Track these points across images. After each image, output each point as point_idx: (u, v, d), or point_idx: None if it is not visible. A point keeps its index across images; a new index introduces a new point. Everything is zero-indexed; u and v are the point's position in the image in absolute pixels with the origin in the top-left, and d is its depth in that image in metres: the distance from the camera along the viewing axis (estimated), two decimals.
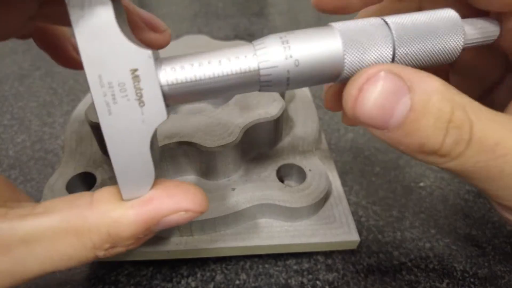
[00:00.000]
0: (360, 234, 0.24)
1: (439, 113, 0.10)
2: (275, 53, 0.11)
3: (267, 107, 0.21)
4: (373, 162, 0.30)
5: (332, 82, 0.13)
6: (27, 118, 0.35)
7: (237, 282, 0.22)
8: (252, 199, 0.20)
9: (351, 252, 0.23)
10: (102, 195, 0.12)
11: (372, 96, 0.11)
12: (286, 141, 0.24)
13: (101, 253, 0.12)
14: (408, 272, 0.22)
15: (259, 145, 0.23)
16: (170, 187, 0.12)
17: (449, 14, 0.13)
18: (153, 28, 0.16)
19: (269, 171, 0.22)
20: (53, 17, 0.15)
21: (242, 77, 0.12)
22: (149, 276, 0.22)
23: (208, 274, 0.22)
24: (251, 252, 0.20)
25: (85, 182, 0.21)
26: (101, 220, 0.12)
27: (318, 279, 0.22)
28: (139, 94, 0.11)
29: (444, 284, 0.22)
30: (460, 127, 0.10)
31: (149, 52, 0.11)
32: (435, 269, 0.23)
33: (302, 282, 0.22)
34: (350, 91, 0.11)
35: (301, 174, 0.22)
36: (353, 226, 0.20)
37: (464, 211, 0.26)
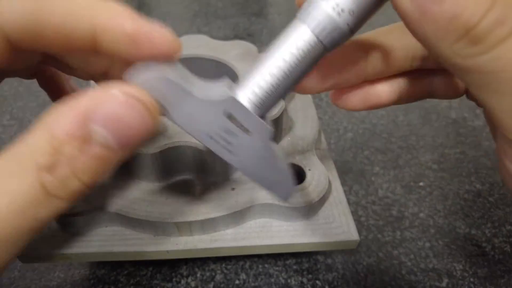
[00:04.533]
0: (359, 233, 0.24)
1: None
2: (327, 18, 0.11)
3: None
4: (373, 162, 0.30)
5: None
6: (26, 118, 0.35)
7: (237, 282, 0.22)
8: (252, 199, 0.20)
9: (351, 251, 0.23)
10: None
11: None
12: (285, 141, 0.24)
13: (48, 180, 0.10)
14: (408, 271, 0.22)
15: None
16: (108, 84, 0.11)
17: None
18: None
19: None
20: (55, 65, 0.16)
21: (310, 56, 0.12)
22: (149, 276, 0.22)
23: (207, 274, 0.22)
24: (251, 252, 0.20)
25: None
26: (39, 132, 0.11)
27: (318, 279, 0.22)
28: (242, 127, 0.13)
29: (444, 284, 0.22)
30: None
31: (229, 95, 0.12)
32: (435, 269, 0.23)
33: (302, 282, 0.22)
34: None
35: (301, 174, 0.22)
36: (352, 225, 0.20)
37: (464, 211, 0.26)
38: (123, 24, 0.11)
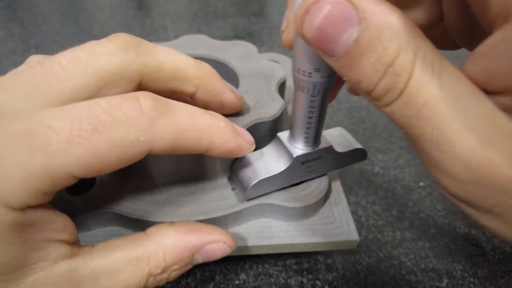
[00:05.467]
0: (359, 233, 0.24)
1: (382, 54, 0.10)
2: (309, 84, 0.15)
3: (266, 107, 0.21)
4: (373, 162, 0.30)
5: None
6: None
7: (237, 282, 0.22)
8: (252, 199, 0.20)
9: (350, 251, 0.23)
10: (154, 227, 0.16)
11: (317, 20, 0.10)
12: None
13: (150, 280, 0.15)
14: (408, 271, 0.22)
15: (259, 145, 0.23)
16: (212, 227, 0.17)
17: None
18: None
19: None
20: None
21: (323, 100, 0.16)
22: None
23: (207, 274, 0.22)
24: (251, 252, 0.20)
25: (84, 182, 0.21)
26: (159, 245, 0.15)
27: (318, 279, 0.22)
28: (313, 159, 0.19)
29: (444, 284, 0.22)
30: (398, 74, 0.10)
31: (293, 157, 0.18)
32: (435, 269, 0.23)
33: (301, 282, 0.22)
34: (299, 11, 0.11)
35: None
36: (352, 226, 0.20)
37: None
38: (228, 145, 0.16)
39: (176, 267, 0.15)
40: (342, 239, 0.20)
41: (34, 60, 0.16)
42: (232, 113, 0.20)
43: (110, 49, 0.15)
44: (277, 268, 0.22)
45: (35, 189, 0.12)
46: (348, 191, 0.28)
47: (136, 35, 0.16)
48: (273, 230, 0.20)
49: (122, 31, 0.16)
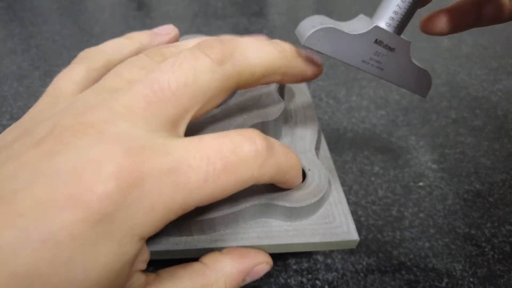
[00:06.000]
0: (359, 233, 0.24)
1: None
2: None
3: (266, 107, 0.21)
4: (373, 162, 0.30)
5: None
6: None
7: None
8: (252, 199, 0.20)
9: (350, 251, 0.23)
10: (210, 257, 0.17)
11: None
12: (285, 141, 0.24)
13: None
14: (408, 271, 0.22)
15: None
16: (255, 250, 0.18)
17: None
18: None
19: None
20: None
21: None
22: None
23: None
24: None
25: None
26: (220, 274, 0.16)
27: (318, 279, 0.22)
28: (388, 48, 0.17)
29: (444, 284, 0.22)
30: None
31: (375, 25, 0.16)
32: (435, 269, 0.23)
33: (301, 282, 0.22)
34: None
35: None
36: (352, 225, 0.20)
37: (463, 211, 0.26)
38: (296, 182, 0.19)
39: None
40: (342, 239, 0.20)
41: (133, 73, 0.16)
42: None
43: (210, 66, 0.15)
44: (277, 268, 0.23)
45: (166, 222, 0.13)
46: (347, 191, 0.28)
47: None
48: (273, 230, 0.20)
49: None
